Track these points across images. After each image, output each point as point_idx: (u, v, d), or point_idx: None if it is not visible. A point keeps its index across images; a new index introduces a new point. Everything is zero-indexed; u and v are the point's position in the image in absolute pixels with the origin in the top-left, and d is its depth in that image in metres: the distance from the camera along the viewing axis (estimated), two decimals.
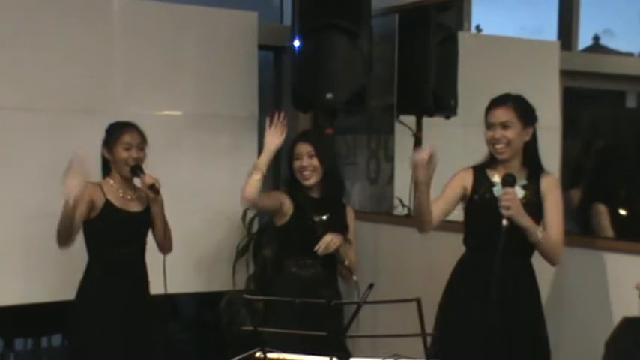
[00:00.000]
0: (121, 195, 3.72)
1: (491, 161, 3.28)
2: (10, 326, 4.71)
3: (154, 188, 3.62)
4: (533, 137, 3.22)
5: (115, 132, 3.70)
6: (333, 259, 3.63)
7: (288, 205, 3.64)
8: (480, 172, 3.30)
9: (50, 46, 4.38)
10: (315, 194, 3.64)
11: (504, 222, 3.07)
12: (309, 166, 3.58)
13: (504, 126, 3.16)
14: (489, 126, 3.19)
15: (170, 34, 4.74)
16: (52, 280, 4.24)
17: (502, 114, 3.17)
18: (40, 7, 4.38)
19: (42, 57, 4.36)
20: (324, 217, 3.57)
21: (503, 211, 3.06)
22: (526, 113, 3.19)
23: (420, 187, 3.15)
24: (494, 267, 3.05)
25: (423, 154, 3.09)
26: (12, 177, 4.26)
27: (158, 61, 4.69)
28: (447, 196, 3.33)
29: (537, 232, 3.12)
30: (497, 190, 3.22)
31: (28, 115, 4.31)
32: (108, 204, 3.66)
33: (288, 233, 3.65)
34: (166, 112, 4.76)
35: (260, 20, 4.99)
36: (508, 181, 3.12)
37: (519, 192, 3.19)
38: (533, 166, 3.22)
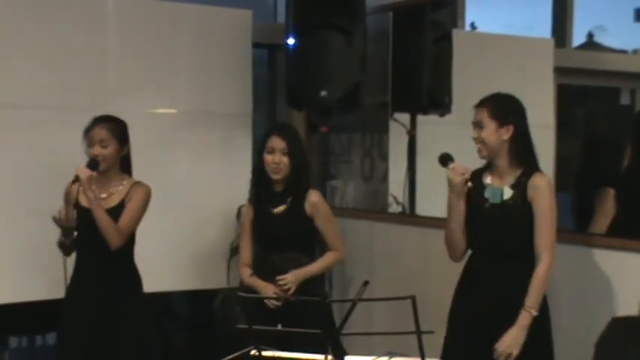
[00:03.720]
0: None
1: (487, 164, 3.30)
2: (5, 324, 4.70)
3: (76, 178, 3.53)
4: (518, 136, 3.18)
5: (85, 128, 3.66)
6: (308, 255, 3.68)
7: (250, 211, 3.73)
8: (477, 175, 3.31)
9: (44, 43, 4.36)
10: (279, 187, 3.65)
11: (469, 184, 3.18)
12: (280, 162, 3.58)
13: (479, 126, 3.20)
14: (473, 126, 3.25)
15: (164, 31, 4.73)
16: (46, 279, 4.23)
17: (476, 114, 3.23)
18: (34, 3, 4.36)
19: (36, 54, 4.34)
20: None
21: (464, 177, 3.17)
22: (500, 112, 3.17)
23: (453, 210, 3.23)
24: (479, 270, 3.20)
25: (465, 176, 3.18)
26: (4, 174, 4.25)
27: (152, 59, 4.68)
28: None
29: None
30: (488, 193, 3.23)
31: (22, 113, 4.30)
32: (76, 204, 3.63)
33: (254, 230, 3.71)
34: (160, 110, 4.75)
35: (254, 18, 4.97)
36: (444, 158, 3.22)
37: (507, 192, 3.20)
38: (524, 166, 3.20)
